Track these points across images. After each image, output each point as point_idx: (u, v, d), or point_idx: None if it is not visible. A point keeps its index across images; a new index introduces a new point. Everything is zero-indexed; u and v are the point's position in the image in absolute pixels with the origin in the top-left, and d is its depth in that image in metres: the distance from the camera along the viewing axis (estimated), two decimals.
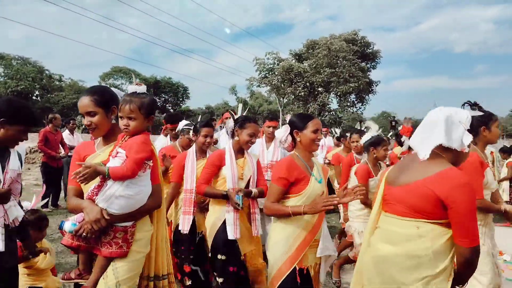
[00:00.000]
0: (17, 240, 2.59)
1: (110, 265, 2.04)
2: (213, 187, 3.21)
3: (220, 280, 3.06)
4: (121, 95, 2.24)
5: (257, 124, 3.32)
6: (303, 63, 31.83)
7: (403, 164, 2.08)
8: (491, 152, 5.70)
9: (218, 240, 3.11)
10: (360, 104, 33.62)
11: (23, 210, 2.91)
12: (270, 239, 2.65)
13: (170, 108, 58.84)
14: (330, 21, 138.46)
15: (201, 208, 3.55)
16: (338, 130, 6.97)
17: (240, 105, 3.60)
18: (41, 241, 3.20)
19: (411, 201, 1.86)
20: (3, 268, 2.33)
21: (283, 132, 2.69)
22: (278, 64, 31.82)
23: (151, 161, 2.10)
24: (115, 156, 2.04)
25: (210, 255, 3.18)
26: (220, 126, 5.74)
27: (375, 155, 3.97)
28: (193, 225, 3.44)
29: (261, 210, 3.33)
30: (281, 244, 2.54)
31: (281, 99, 33.91)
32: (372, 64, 33.18)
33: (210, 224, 3.21)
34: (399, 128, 3.77)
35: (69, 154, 8.31)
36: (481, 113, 2.27)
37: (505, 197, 7.91)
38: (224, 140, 5.31)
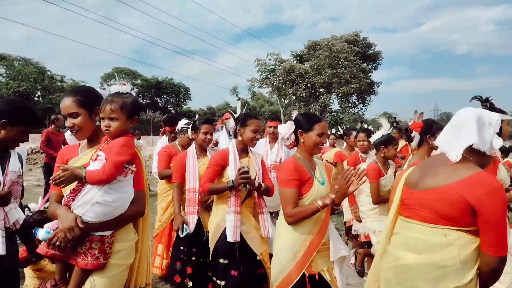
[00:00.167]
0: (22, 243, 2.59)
1: (88, 279, 1.92)
2: (216, 183, 3.11)
3: (221, 283, 2.98)
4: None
5: (259, 120, 3.25)
6: (304, 64, 31.84)
7: (426, 166, 1.94)
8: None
9: (221, 242, 3.01)
10: (362, 105, 33.63)
11: (31, 212, 2.90)
12: (275, 245, 2.54)
13: (171, 109, 58.85)
14: (331, 22, 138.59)
15: (206, 206, 3.49)
16: (341, 129, 6.99)
17: (239, 103, 3.56)
18: None
19: (438, 206, 1.74)
20: (4, 271, 2.30)
21: (286, 129, 2.59)
22: (279, 65, 31.84)
23: (134, 165, 1.96)
24: (95, 160, 1.94)
25: (210, 258, 3.10)
26: (221, 126, 5.72)
27: (384, 154, 3.93)
28: (199, 225, 3.37)
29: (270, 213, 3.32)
30: (286, 251, 2.41)
31: (282, 100, 33.90)
32: (374, 65, 33.18)
33: (214, 226, 3.10)
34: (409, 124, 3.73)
35: None
36: (510, 118, 2.11)
37: None
38: (224, 142, 5.28)
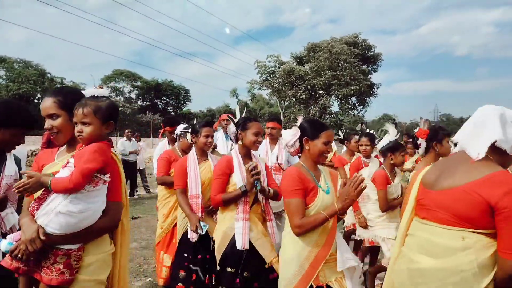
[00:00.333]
0: None
1: None
2: (227, 192, 3.00)
3: None
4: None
5: (259, 122, 3.17)
6: (304, 66, 31.87)
7: (443, 166, 1.85)
8: None
9: (229, 251, 2.91)
10: (361, 106, 33.64)
11: None
12: (282, 254, 2.44)
13: (171, 111, 58.87)
14: (331, 24, 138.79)
15: (210, 211, 3.40)
16: (341, 133, 7.00)
17: (238, 107, 3.49)
18: None
19: (456, 207, 1.66)
20: (1, 277, 2.19)
21: (291, 135, 2.48)
22: (279, 67, 31.88)
23: (108, 175, 1.82)
24: (65, 166, 1.81)
25: (218, 267, 2.98)
26: (218, 129, 5.69)
27: (392, 161, 3.83)
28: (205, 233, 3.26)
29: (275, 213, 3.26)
30: (292, 263, 2.31)
31: (282, 102, 33.91)
32: (373, 67, 33.19)
33: (221, 235, 2.99)
34: (416, 130, 3.70)
35: None
36: None
37: None
38: (221, 144, 5.20)
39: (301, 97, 30.94)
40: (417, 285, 1.76)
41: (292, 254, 2.33)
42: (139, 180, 10.95)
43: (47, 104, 1.91)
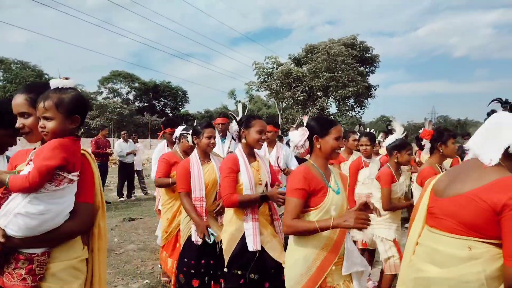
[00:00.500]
0: None
1: None
2: (245, 195, 2.88)
3: None
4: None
5: (263, 120, 3.10)
6: (302, 68, 31.95)
7: (454, 173, 1.80)
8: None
9: (237, 253, 2.83)
10: (359, 108, 33.74)
11: None
12: (288, 258, 2.38)
13: (169, 112, 58.87)
14: (329, 26, 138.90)
15: (218, 212, 3.30)
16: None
17: (240, 105, 3.42)
18: None
19: (461, 215, 1.59)
20: None
21: (300, 136, 2.41)
22: (277, 69, 31.93)
23: (75, 173, 1.68)
24: (27, 164, 1.69)
25: (226, 269, 2.91)
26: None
27: (397, 160, 3.76)
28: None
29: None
30: (298, 266, 2.25)
31: (280, 103, 33.97)
32: (371, 68, 33.31)
33: (228, 237, 2.91)
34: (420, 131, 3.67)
35: None
36: None
37: None
38: (216, 148, 5.13)
39: (299, 98, 31.00)
40: None
41: (299, 256, 2.27)
42: (136, 182, 10.93)
43: (19, 101, 1.78)
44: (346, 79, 29.65)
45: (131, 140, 10.93)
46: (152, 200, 8.54)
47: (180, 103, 61.14)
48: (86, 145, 17.15)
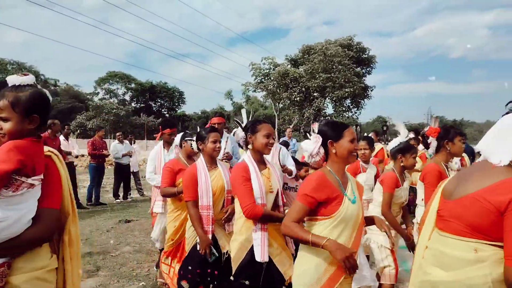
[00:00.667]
0: None
1: None
2: (270, 211, 2.77)
3: None
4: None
5: (269, 123, 2.99)
6: (298, 68, 32.01)
7: (463, 174, 1.78)
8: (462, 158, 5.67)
9: (246, 263, 2.72)
10: (356, 109, 33.82)
11: None
12: (297, 267, 2.29)
13: (165, 112, 58.78)
14: (326, 26, 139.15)
15: (226, 219, 3.18)
16: None
17: (244, 111, 3.32)
18: None
19: (467, 216, 1.56)
20: None
21: (313, 143, 2.33)
22: (273, 69, 31.96)
23: (37, 177, 1.57)
24: None
25: (232, 278, 2.82)
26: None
27: (402, 163, 3.61)
28: (215, 244, 3.11)
29: None
30: (309, 274, 2.17)
31: (277, 104, 33.99)
32: (368, 69, 33.41)
33: (237, 246, 2.78)
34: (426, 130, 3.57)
35: (67, 160, 8.34)
36: None
37: None
38: None
39: (295, 99, 31.04)
40: None
41: (309, 265, 2.19)
42: (132, 183, 10.89)
43: None
44: (342, 80, 29.72)
45: (127, 141, 10.88)
46: (148, 202, 8.50)
47: (176, 104, 61.08)
48: (83, 146, 17.07)
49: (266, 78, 32.41)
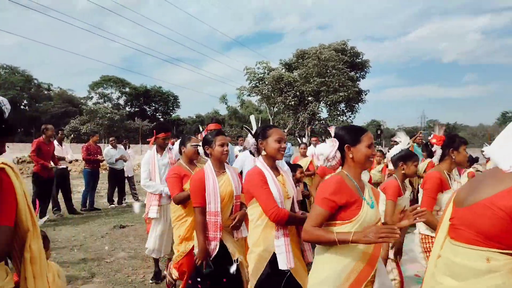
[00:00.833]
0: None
1: None
2: (292, 213, 2.69)
3: None
4: (5, 105, 1.70)
5: (279, 128, 2.96)
6: (293, 73, 32.07)
7: (474, 181, 1.74)
8: None
9: (266, 277, 2.62)
10: (350, 113, 33.89)
11: None
12: (314, 275, 2.19)
13: (160, 117, 58.68)
14: (320, 31, 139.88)
15: (235, 226, 3.06)
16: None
17: (252, 117, 3.23)
18: (47, 264, 2.84)
19: (479, 224, 1.52)
20: None
21: (330, 147, 2.28)
22: (268, 74, 32.01)
23: None
24: None
25: None
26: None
27: (403, 171, 3.56)
28: (225, 251, 3.00)
29: None
30: (331, 282, 2.08)
31: (271, 108, 34.05)
32: (362, 73, 33.54)
33: (256, 258, 2.67)
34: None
35: (61, 166, 8.29)
36: None
37: None
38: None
39: (290, 103, 31.09)
40: None
41: (331, 270, 2.11)
42: (127, 188, 10.84)
43: None
44: (337, 84, 29.82)
45: (121, 146, 10.83)
46: (143, 207, 8.47)
47: (171, 108, 61.07)
48: (77, 151, 16.97)
49: (260, 82, 32.46)
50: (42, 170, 7.72)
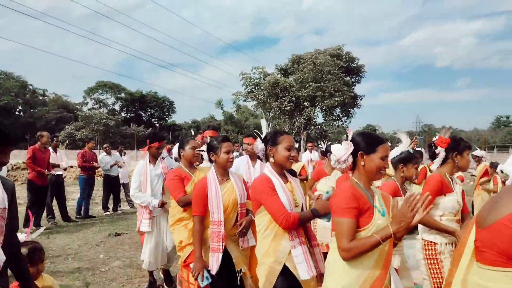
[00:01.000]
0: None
1: None
2: (299, 213, 2.61)
3: None
4: None
5: (290, 135, 2.84)
6: (288, 78, 32.17)
7: (494, 200, 1.68)
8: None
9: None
10: (346, 117, 34.02)
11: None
12: (328, 285, 2.12)
13: (155, 122, 58.56)
14: (315, 36, 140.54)
15: (241, 233, 2.94)
16: (324, 145, 6.61)
17: (263, 121, 3.17)
18: (41, 277, 2.68)
19: (500, 244, 1.45)
20: None
21: (343, 150, 2.22)
22: (264, 79, 32.10)
23: None
24: None
25: None
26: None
27: (403, 174, 3.49)
28: (229, 262, 2.88)
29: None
30: None
31: (267, 113, 34.08)
32: (357, 78, 33.69)
33: (266, 270, 2.56)
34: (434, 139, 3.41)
35: (55, 172, 8.23)
36: None
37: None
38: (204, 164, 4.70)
39: (286, 108, 31.14)
40: None
41: (348, 279, 2.05)
42: (122, 195, 10.77)
43: None
44: (332, 89, 29.92)
45: (116, 153, 10.78)
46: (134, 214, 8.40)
47: (167, 113, 60.94)
48: (72, 157, 16.84)
49: (256, 87, 32.53)
50: (37, 177, 7.67)
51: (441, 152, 3.21)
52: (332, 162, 2.32)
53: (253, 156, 4.52)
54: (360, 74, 33.65)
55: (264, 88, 31.24)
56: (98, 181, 11.56)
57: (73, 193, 12.39)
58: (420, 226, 3.87)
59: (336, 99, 30.05)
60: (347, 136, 2.32)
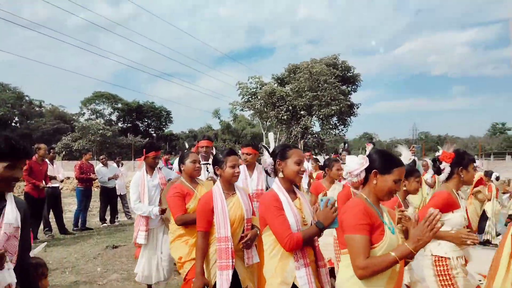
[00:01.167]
0: None
1: None
2: (302, 230, 2.49)
3: None
4: None
5: (300, 149, 2.77)
6: (285, 87, 32.29)
7: None
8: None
9: None
10: (342, 126, 34.08)
11: None
12: None
13: (153, 132, 58.48)
14: (310, 45, 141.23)
15: (247, 245, 2.87)
16: (322, 158, 6.49)
17: (271, 135, 3.11)
18: None
19: None
20: None
21: (358, 165, 2.16)
22: (260, 88, 32.19)
23: None
24: None
25: None
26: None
27: (405, 187, 3.40)
28: (235, 278, 2.79)
29: None
30: None
31: (264, 122, 34.14)
32: (353, 87, 33.85)
33: None
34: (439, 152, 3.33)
35: (52, 185, 8.19)
36: None
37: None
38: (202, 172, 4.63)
39: (282, 117, 31.19)
40: None
41: None
42: (120, 206, 10.72)
43: None
44: (328, 98, 30.01)
45: (113, 164, 10.74)
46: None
47: (164, 123, 60.84)
48: (69, 168, 16.75)
49: (253, 97, 32.60)
50: (33, 190, 7.65)
51: (446, 167, 3.14)
52: (344, 173, 2.27)
53: (251, 166, 4.51)
54: (356, 83, 33.81)
55: (261, 98, 31.32)
56: (95, 192, 11.51)
57: (70, 205, 12.31)
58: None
59: (333, 107, 30.14)
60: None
